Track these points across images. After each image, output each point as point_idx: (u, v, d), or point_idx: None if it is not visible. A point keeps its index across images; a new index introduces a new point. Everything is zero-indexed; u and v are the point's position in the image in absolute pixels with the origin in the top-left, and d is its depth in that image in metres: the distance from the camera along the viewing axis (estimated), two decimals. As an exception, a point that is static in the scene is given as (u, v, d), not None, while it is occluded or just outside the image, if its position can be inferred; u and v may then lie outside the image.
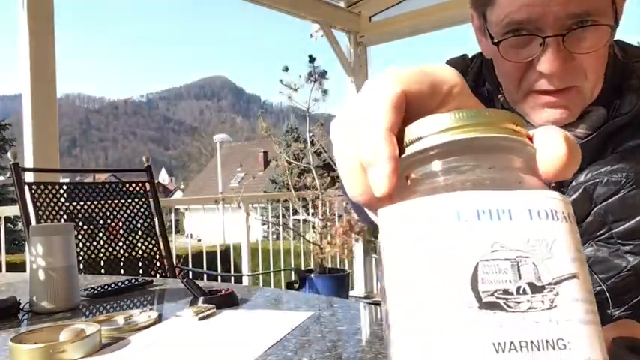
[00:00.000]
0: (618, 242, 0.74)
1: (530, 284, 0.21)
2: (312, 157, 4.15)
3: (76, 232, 1.80)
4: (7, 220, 3.96)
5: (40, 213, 1.75)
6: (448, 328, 0.21)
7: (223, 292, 0.88)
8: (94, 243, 1.88)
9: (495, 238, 0.22)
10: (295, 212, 4.41)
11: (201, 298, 0.86)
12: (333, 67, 4.42)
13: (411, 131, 0.26)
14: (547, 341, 0.21)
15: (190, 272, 3.10)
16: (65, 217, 1.82)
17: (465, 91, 0.29)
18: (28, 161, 2.39)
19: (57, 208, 1.80)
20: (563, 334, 0.21)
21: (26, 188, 1.75)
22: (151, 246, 2.01)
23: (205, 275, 3.61)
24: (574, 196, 0.74)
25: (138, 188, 2.04)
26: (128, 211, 1.98)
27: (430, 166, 0.25)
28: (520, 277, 0.21)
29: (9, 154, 1.87)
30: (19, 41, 2.42)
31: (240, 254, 4.12)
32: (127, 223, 1.98)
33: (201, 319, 0.77)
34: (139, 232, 1.99)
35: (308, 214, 4.19)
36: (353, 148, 0.27)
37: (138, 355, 0.63)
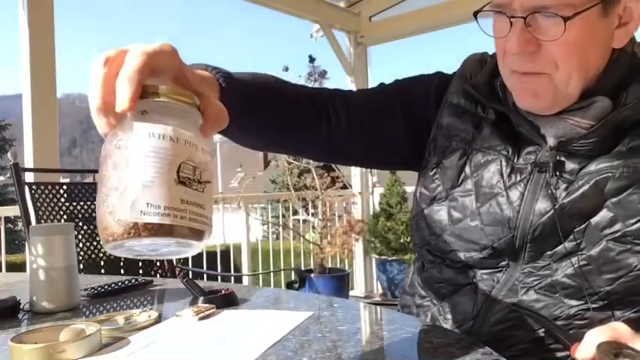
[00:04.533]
0: (632, 242, 0.73)
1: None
2: (312, 157, 4.14)
3: (76, 232, 1.80)
4: (7, 220, 3.95)
5: (40, 213, 1.74)
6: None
7: (223, 292, 0.88)
8: (94, 243, 1.87)
9: (187, 154, 0.45)
10: (295, 212, 4.41)
11: (201, 298, 0.86)
12: (333, 67, 4.44)
13: (146, 88, 0.46)
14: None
15: (190, 272, 3.10)
16: (65, 217, 1.82)
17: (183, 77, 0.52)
18: (28, 161, 2.39)
19: (57, 208, 1.80)
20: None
21: (26, 188, 1.75)
22: (151, 246, 2.00)
23: (205, 275, 3.61)
24: (584, 188, 0.75)
25: (138, 188, 2.04)
26: (128, 211, 1.98)
27: (153, 107, 0.46)
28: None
29: (9, 154, 1.87)
30: (19, 41, 2.42)
31: (240, 254, 4.12)
32: (127, 223, 1.97)
33: (201, 319, 0.77)
34: (139, 232, 1.99)
35: (308, 214, 4.19)
36: (113, 70, 0.47)
37: (138, 355, 0.63)
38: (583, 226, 0.75)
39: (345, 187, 4.40)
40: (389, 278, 4.33)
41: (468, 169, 0.85)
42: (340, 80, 4.62)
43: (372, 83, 4.58)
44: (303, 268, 3.97)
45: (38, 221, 1.72)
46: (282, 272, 4.48)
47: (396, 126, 0.94)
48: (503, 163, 0.82)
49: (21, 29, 2.41)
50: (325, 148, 0.95)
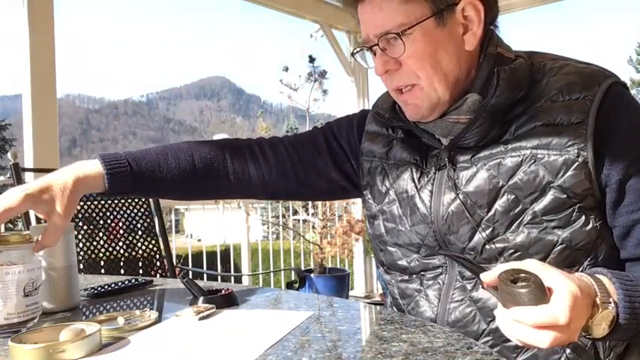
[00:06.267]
0: (544, 220, 0.80)
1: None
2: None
3: (75, 232, 1.80)
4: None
5: (40, 213, 1.74)
6: None
7: (223, 292, 0.88)
8: (94, 243, 1.88)
9: (30, 278, 0.75)
10: (295, 212, 4.41)
11: (201, 298, 0.86)
12: (333, 67, 4.42)
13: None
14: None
15: (190, 272, 3.10)
16: (65, 217, 1.81)
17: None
18: (28, 161, 2.39)
19: (57, 208, 1.80)
20: None
21: (26, 188, 1.75)
22: (150, 246, 2.01)
23: (205, 275, 3.61)
24: (480, 173, 0.84)
25: (138, 188, 2.04)
26: (128, 211, 1.98)
27: (4, 250, 0.74)
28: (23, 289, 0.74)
29: (9, 154, 1.87)
30: (19, 41, 2.42)
31: (240, 254, 4.12)
32: (127, 223, 1.97)
33: (201, 319, 0.77)
34: (139, 232, 1.99)
35: (308, 214, 4.19)
36: None
37: (138, 355, 0.63)
38: (491, 212, 0.83)
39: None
40: (389, 278, 4.32)
41: (387, 183, 0.97)
42: (340, 80, 4.61)
43: (372, 83, 4.59)
44: (303, 268, 3.97)
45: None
46: (282, 272, 4.48)
47: (323, 158, 1.06)
48: (414, 170, 0.93)
49: (21, 29, 2.41)
50: (260, 187, 1.06)
